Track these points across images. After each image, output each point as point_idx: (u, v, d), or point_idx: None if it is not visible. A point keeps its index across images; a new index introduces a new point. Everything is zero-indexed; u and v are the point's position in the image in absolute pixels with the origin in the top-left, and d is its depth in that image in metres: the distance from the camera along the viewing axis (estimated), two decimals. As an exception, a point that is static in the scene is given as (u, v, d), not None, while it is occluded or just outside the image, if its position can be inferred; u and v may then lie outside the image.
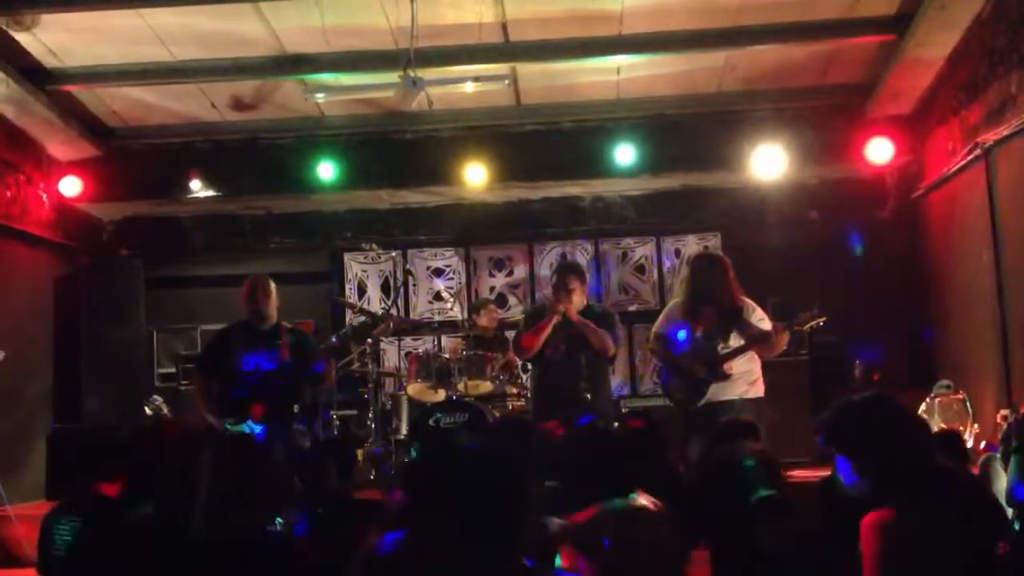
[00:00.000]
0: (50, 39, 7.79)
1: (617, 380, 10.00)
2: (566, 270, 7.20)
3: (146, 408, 8.93)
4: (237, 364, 6.45)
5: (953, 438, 5.23)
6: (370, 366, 8.27)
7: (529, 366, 7.70)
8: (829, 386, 8.54)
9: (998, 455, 5.40)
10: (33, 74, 8.13)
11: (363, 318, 8.66)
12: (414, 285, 10.21)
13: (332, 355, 7.09)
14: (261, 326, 6.59)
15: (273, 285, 6.70)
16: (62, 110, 8.64)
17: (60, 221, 9.36)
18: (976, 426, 7.24)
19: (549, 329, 6.80)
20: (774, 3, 7.56)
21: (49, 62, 8.12)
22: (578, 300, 6.86)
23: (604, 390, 7.05)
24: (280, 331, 6.61)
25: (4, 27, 7.46)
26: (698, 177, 9.54)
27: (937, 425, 7.01)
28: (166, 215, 10.16)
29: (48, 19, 7.48)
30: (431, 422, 7.41)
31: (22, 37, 7.68)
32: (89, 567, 3.39)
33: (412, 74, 7.20)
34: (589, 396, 6.65)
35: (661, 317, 6.83)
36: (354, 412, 8.83)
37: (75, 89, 8.61)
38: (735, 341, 6.38)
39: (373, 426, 8.00)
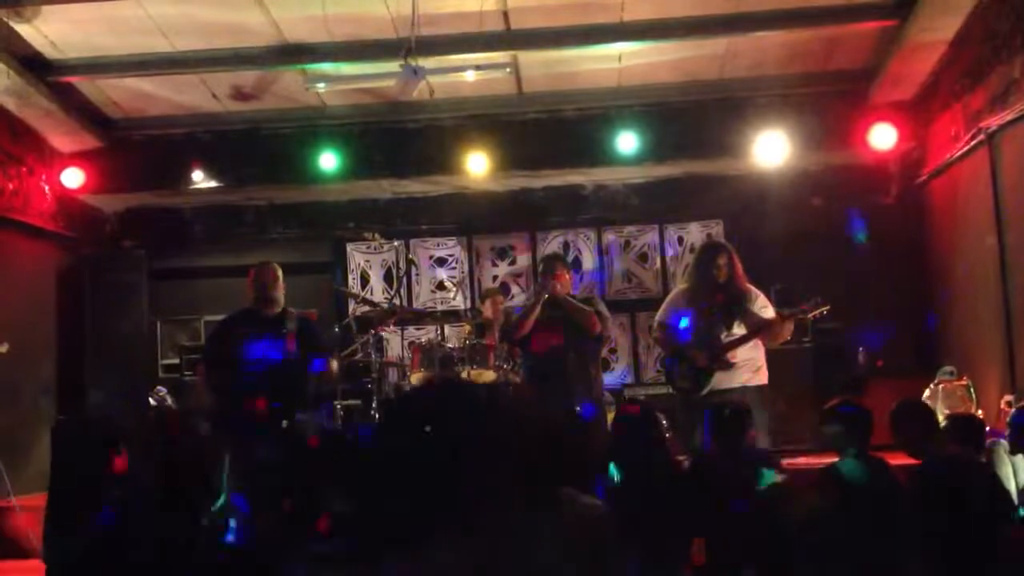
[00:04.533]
0: (51, 30, 7.77)
1: (620, 368, 10.03)
2: (551, 258, 7.53)
3: (150, 399, 8.94)
4: (242, 353, 6.37)
5: (969, 422, 5.21)
6: (373, 356, 8.26)
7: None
8: (833, 373, 8.55)
9: (1003, 441, 5.40)
10: (34, 65, 8.12)
11: (366, 308, 8.66)
12: (416, 275, 10.22)
13: (335, 347, 7.05)
14: (267, 313, 6.50)
15: (280, 271, 6.62)
16: (63, 101, 8.63)
17: (62, 213, 9.37)
18: (980, 412, 7.24)
19: (537, 310, 6.87)
20: (776, -11, 7.56)
21: (50, 53, 8.11)
22: (563, 287, 6.96)
23: (594, 374, 7.06)
24: (286, 318, 6.52)
25: (5, 18, 7.45)
26: (701, 164, 9.51)
27: (941, 412, 7.00)
28: (168, 206, 10.16)
29: (48, 10, 7.46)
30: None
31: (23, 28, 7.66)
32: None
33: (413, 63, 7.19)
34: (578, 381, 6.70)
35: (665, 305, 6.83)
36: (358, 402, 8.82)
37: (76, 80, 8.59)
38: (739, 329, 6.38)
39: (377, 416, 7.99)
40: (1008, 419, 5.56)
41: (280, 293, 6.53)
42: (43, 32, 7.78)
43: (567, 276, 7.08)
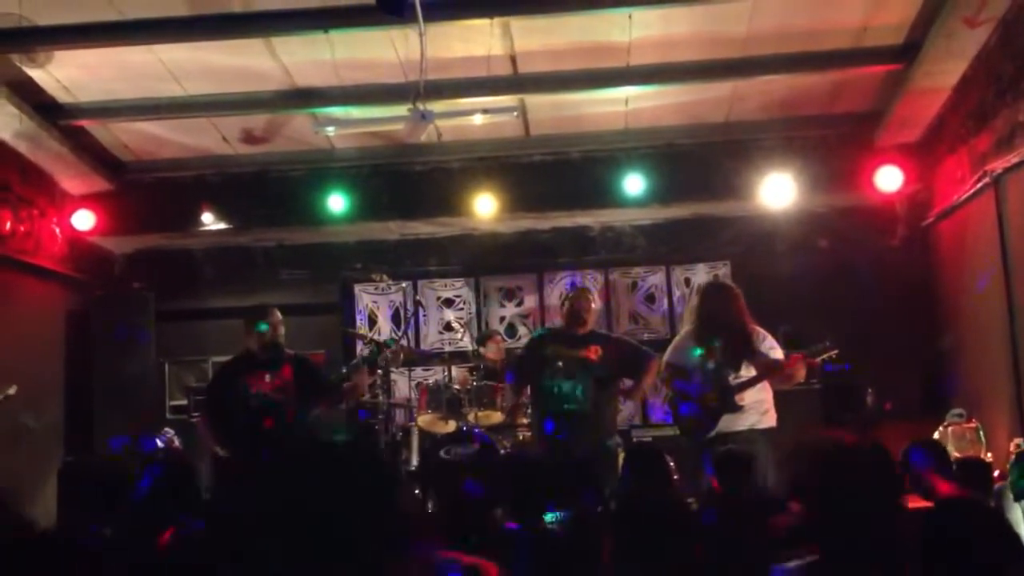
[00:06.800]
0: (63, 75, 7.86)
1: (628, 409, 9.98)
2: (579, 294, 7.34)
3: (157, 441, 8.93)
4: (242, 396, 6.46)
5: (978, 466, 5.18)
6: (381, 397, 8.28)
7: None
8: (841, 415, 8.51)
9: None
10: (46, 109, 8.20)
11: (373, 348, 8.66)
12: (424, 315, 10.23)
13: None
14: (265, 356, 6.59)
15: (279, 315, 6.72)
16: (74, 145, 8.71)
17: (72, 255, 9.41)
18: (989, 455, 7.20)
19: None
20: (781, 33, 7.59)
21: (62, 97, 8.19)
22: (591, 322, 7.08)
23: (609, 412, 7.05)
24: (284, 359, 6.61)
25: (18, 63, 7.54)
26: (708, 206, 9.53)
27: (952, 454, 6.96)
28: (177, 248, 10.20)
29: (61, 55, 7.55)
30: (442, 453, 7.40)
31: (36, 73, 7.75)
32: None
33: (421, 107, 7.23)
34: (591, 419, 6.71)
35: (673, 346, 6.83)
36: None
37: (88, 124, 8.67)
38: (746, 371, 6.36)
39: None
40: (1010, 464, 5.54)
41: (281, 336, 6.66)
42: (56, 77, 7.87)
43: (596, 303, 7.28)
